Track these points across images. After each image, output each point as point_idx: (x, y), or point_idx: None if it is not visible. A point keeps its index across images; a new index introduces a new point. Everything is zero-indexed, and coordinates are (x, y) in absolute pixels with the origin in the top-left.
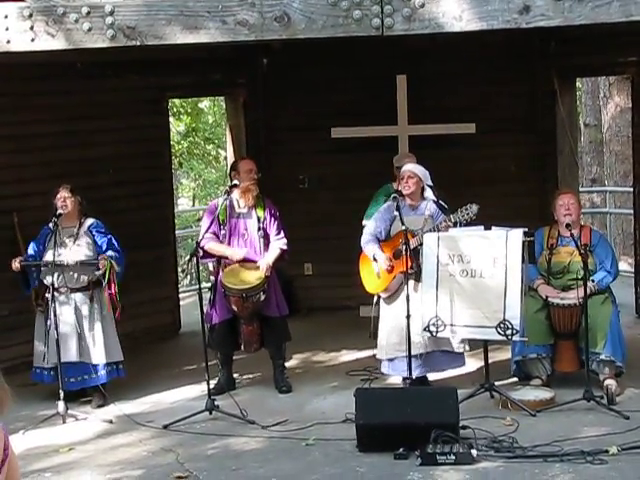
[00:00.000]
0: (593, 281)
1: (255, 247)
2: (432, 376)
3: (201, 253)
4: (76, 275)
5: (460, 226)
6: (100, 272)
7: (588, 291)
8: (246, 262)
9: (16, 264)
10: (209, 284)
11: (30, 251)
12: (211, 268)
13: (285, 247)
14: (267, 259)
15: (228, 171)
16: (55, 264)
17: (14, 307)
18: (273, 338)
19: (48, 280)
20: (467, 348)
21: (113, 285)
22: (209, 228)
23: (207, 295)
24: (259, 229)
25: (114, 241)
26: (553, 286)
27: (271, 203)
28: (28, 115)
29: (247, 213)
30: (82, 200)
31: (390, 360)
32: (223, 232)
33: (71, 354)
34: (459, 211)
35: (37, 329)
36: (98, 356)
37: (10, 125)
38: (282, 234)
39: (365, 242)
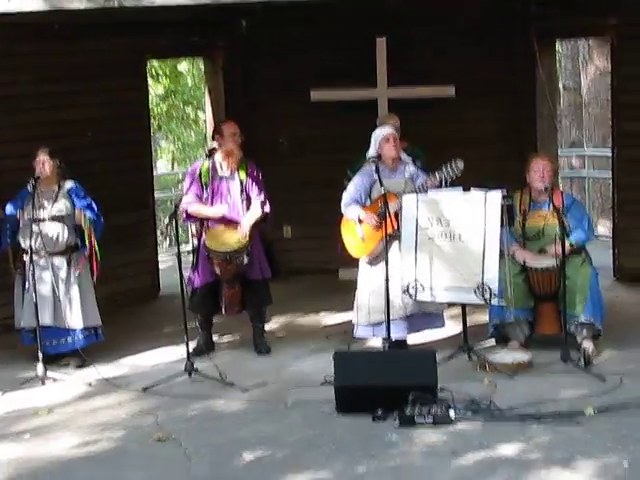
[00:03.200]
0: (572, 245)
1: (238, 209)
2: (411, 339)
3: (184, 216)
4: (54, 238)
5: (446, 183)
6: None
7: (566, 250)
8: (229, 224)
9: None
10: (189, 247)
11: (8, 210)
12: (194, 231)
13: (267, 208)
14: (247, 218)
15: (211, 134)
16: (33, 219)
17: None
18: (254, 301)
19: (26, 243)
20: (445, 308)
21: (90, 245)
22: (189, 190)
23: (187, 258)
24: (242, 191)
25: (94, 205)
26: (529, 250)
27: (254, 165)
28: (5, 77)
29: (230, 176)
30: (61, 163)
31: (374, 325)
32: (205, 195)
33: (46, 318)
34: (444, 168)
35: (16, 291)
36: (75, 320)
37: None
38: (262, 195)
39: (346, 205)
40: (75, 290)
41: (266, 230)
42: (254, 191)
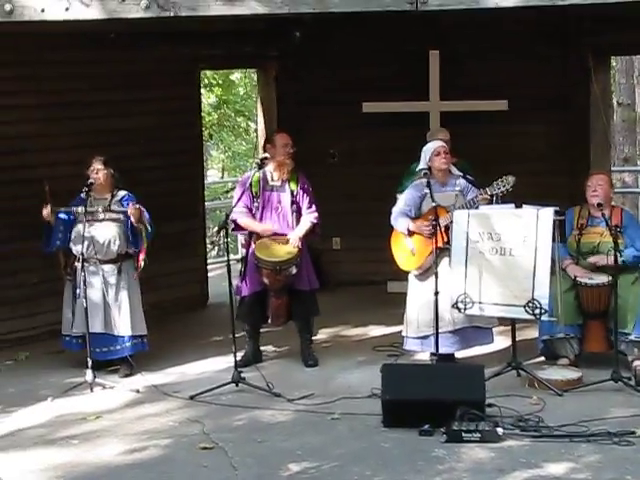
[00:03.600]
0: (624, 262)
1: (288, 220)
2: (459, 353)
3: (232, 226)
4: (106, 245)
5: (497, 198)
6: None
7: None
8: (277, 236)
9: (46, 211)
10: (237, 256)
11: (61, 216)
12: (242, 241)
13: (316, 220)
14: (297, 232)
15: (262, 143)
16: (86, 212)
17: (42, 275)
18: (302, 312)
19: (77, 249)
20: (496, 324)
21: (143, 246)
22: (239, 200)
23: (235, 267)
24: (292, 203)
25: (146, 214)
26: (582, 266)
27: (304, 177)
28: (60, 84)
29: (281, 186)
30: (115, 172)
31: (422, 338)
32: (256, 205)
33: (96, 325)
34: (495, 183)
35: (65, 298)
36: (124, 328)
37: (42, 94)
38: (313, 207)
39: (395, 219)
40: (125, 298)
41: (315, 241)
42: (305, 203)
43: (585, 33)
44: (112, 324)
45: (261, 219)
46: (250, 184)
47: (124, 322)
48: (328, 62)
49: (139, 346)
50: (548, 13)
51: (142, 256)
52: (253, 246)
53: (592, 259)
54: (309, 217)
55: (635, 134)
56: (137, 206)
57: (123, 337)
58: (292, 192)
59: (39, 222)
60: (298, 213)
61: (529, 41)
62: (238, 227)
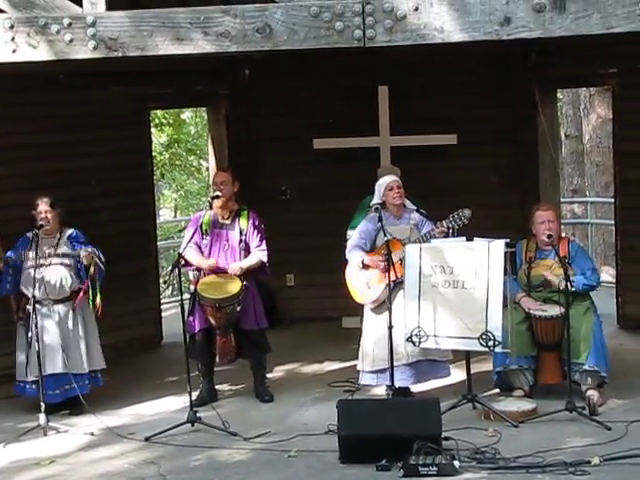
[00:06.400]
0: (577, 291)
1: (235, 258)
2: (415, 387)
3: (182, 262)
4: (58, 284)
5: (453, 231)
6: (87, 255)
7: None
8: (222, 273)
9: None
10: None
11: (10, 256)
12: (191, 277)
13: (265, 258)
14: (240, 263)
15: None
16: (35, 268)
17: None
18: (252, 351)
19: (30, 292)
20: (450, 357)
21: (89, 280)
22: (191, 239)
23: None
24: (240, 241)
25: (96, 251)
26: (534, 299)
27: (255, 214)
28: (10, 126)
29: (230, 224)
30: (61, 211)
31: (378, 372)
32: (205, 242)
33: (56, 365)
34: (452, 216)
35: (18, 342)
36: (82, 365)
37: None
38: (263, 245)
39: (350, 252)
40: (81, 335)
41: (268, 279)
42: (254, 241)
43: (531, 66)
44: (72, 363)
45: (209, 256)
46: (201, 223)
47: (82, 360)
48: (278, 99)
49: (93, 381)
50: (494, 48)
51: (82, 294)
52: (198, 283)
53: (545, 273)
54: (258, 254)
55: (584, 165)
56: (89, 251)
57: (82, 375)
58: (241, 230)
59: None
60: (247, 251)
61: (477, 76)
62: (187, 263)
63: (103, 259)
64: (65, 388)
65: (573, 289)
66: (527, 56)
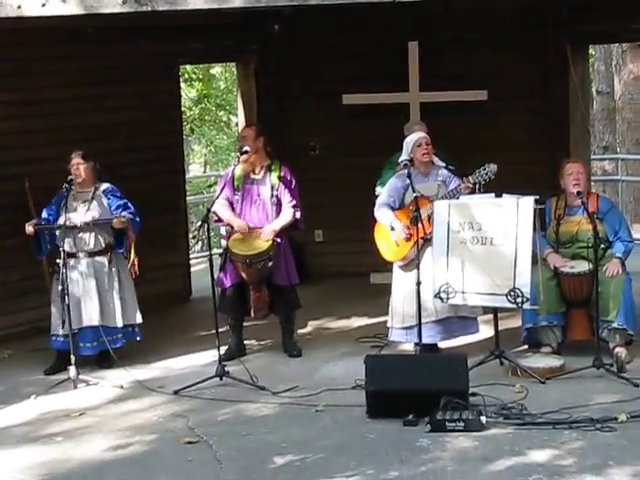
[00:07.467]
0: (620, 258)
1: (267, 213)
2: (442, 343)
3: (215, 218)
4: (87, 238)
5: (479, 187)
6: (120, 223)
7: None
8: (254, 229)
9: (30, 228)
10: (220, 250)
11: (44, 215)
12: (223, 232)
13: (298, 215)
14: (272, 225)
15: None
16: (66, 227)
17: (24, 272)
18: (282, 306)
19: (63, 246)
20: (480, 313)
21: (129, 243)
22: (221, 193)
23: (218, 261)
24: (272, 196)
25: (129, 205)
26: (562, 255)
27: (288, 170)
28: (39, 81)
29: (261, 180)
30: (96, 165)
31: (408, 328)
32: (237, 197)
33: (92, 318)
34: (477, 171)
35: (53, 296)
36: (117, 319)
37: (21, 90)
38: (295, 202)
39: (379, 212)
40: (117, 288)
41: (297, 234)
42: (285, 196)
43: (563, 22)
44: (107, 315)
45: (241, 212)
46: (233, 177)
47: (117, 313)
48: (307, 55)
49: (129, 335)
50: (526, 2)
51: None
52: (229, 239)
53: (572, 264)
54: (289, 211)
55: (614, 122)
56: (123, 219)
57: (116, 328)
58: (272, 185)
59: (19, 219)
60: (278, 206)
61: (508, 31)
62: (219, 219)
63: (137, 218)
64: (100, 341)
65: (618, 255)
66: (559, 11)
